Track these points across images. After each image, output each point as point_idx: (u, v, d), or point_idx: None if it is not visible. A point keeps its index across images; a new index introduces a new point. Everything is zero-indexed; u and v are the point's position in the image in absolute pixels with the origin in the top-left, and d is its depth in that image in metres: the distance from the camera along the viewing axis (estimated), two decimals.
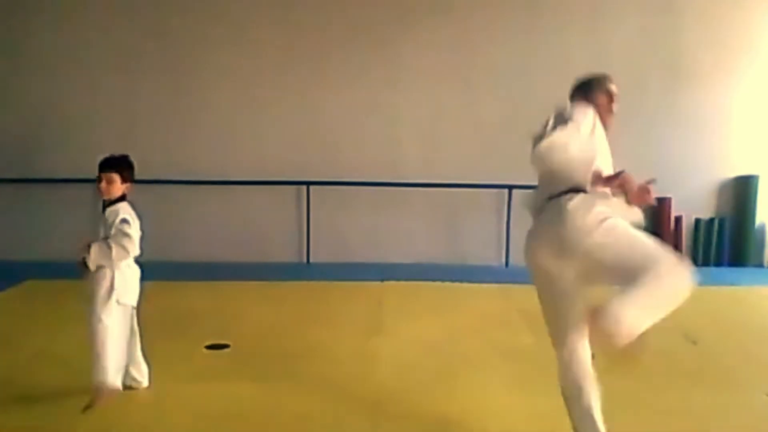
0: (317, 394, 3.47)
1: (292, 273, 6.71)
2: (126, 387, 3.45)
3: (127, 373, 3.48)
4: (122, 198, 3.46)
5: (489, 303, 5.35)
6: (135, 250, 3.38)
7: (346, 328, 4.69)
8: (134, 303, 3.48)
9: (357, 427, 3.12)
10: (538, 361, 3.87)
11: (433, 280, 6.26)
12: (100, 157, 3.46)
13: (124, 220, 3.36)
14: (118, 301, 3.34)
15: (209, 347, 4.24)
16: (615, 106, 2.93)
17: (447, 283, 6.18)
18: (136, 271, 3.51)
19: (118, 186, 3.43)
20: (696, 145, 7.41)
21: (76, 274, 3.35)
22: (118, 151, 3.52)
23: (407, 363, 4.02)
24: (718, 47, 7.35)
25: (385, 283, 6.17)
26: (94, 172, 3.43)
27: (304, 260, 7.39)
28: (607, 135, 2.79)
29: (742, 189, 7.47)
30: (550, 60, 7.27)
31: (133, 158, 3.54)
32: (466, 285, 6.07)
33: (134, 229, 3.38)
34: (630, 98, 7.25)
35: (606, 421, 2.68)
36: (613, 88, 2.95)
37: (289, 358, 4.08)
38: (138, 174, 3.53)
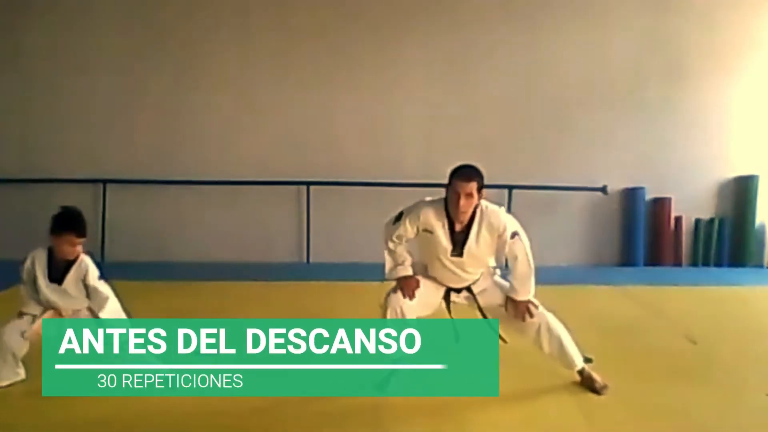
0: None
1: (292, 273, 6.70)
2: None
3: None
4: None
5: None
6: None
7: None
8: None
9: (356, 427, 3.12)
10: (537, 361, 3.87)
11: None
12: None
13: None
14: None
15: None
16: (460, 203, 3.39)
17: None
18: None
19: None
20: (696, 145, 7.41)
21: None
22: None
23: None
24: (718, 47, 7.35)
25: (385, 283, 6.14)
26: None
27: (304, 260, 7.39)
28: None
29: (742, 189, 7.47)
30: (550, 60, 7.27)
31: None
32: None
33: None
34: (630, 98, 7.39)
35: (606, 421, 2.68)
36: (458, 187, 3.40)
37: None
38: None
